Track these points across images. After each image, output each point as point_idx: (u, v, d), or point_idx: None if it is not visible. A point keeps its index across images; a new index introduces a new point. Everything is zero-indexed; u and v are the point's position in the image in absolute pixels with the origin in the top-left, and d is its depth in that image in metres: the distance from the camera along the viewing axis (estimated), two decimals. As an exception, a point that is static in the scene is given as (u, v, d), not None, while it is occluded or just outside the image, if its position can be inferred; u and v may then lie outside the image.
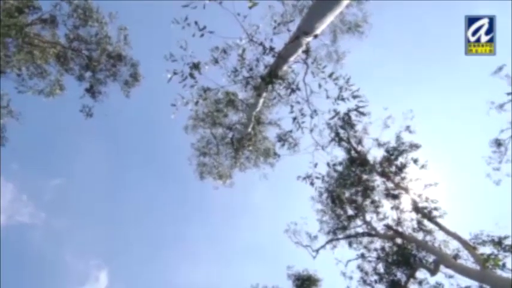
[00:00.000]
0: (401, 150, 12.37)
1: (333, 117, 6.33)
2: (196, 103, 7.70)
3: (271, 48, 6.40)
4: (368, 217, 13.04)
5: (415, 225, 12.11)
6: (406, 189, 12.23)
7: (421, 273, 11.48)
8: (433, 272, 10.58)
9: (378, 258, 12.58)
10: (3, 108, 11.75)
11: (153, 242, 27.28)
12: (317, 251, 13.85)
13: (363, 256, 13.00)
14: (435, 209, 11.59)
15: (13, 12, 9.72)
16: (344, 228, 13.54)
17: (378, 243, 12.92)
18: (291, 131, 7.00)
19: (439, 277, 10.80)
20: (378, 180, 12.94)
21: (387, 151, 12.66)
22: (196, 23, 6.07)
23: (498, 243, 9.41)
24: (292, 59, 6.45)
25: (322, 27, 5.90)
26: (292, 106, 6.63)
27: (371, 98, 6.91)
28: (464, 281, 9.88)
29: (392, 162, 12.59)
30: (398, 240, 12.01)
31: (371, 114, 12.40)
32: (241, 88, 9.02)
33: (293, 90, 6.50)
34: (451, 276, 10.91)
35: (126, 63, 12.43)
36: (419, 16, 18.32)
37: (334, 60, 12.46)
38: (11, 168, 21.15)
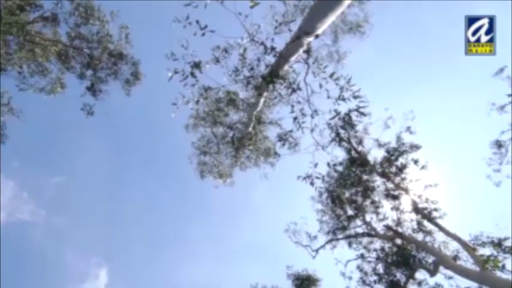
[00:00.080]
0: (401, 151, 12.37)
1: (333, 118, 6.33)
2: (197, 102, 7.69)
3: (273, 48, 6.41)
4: (368, 217, 13.05)
5: (415, 226, 12.12)
6: (406, 190, 12.23)
7: (420, 274, 11.49)
8: (433, 272, 10.59)
9: (378, 258, 12.59)
10: (4, 105, 11.76)
11: (154, 241, 27.34)
12: (317, 251, 13.86)
13: (362, 256, 13.01)
14: (435, 209, 11.60)
15: (15, 10, 9.72)
16: (344, 228, 13.54)
17: (377, 244, 12.94)
18: (291, 131, 7.00)
19: (439, 278, 10.83)
20: (378, 181, 12.95)
21: (387, 151, 12.66)
22: (197, 22, 6.06)
23: (498, 244, 9.40)
24: (293, 58, 6.45)
25: (323, 27, 5.89)
26: (292, 106, 6.63)
27: (372, 98, 6.92)
28: (464, 282, 9.87)
29: (393, 162, 12.58)
30: (398, 241, 12.01)
31: (372, 115, 12.42)
32: (242, 87, 9.01)
33: (294, 90, 6.50)
34: (450, 277, 10.92)
35: (127, 61, 12.44)
36: (420, 16, 18.33)
37: (335, 60, 12.46)
38: (12, 166, 21.20)
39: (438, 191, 11.98)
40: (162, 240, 27.57)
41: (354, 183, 13.03)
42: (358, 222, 13.30)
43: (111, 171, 25.70)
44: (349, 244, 13.50)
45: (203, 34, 6.14)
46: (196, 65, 6.37)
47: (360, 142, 13.13)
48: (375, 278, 12.35)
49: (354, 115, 6.23)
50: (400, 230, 12.06)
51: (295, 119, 6.66)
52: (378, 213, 12.91)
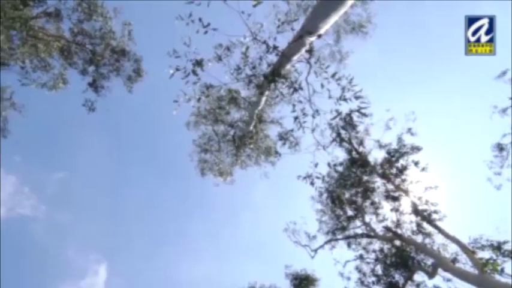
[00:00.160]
0: (402, 152, 12.35)
1: (334, 118, 6.32)
2: (199, 100, 7.70)
3: (275, 47, 6.41)
4: (367, 218, 13.04)
5: (415, 228, 12.12)
6: (406, 192, 12.22)
7: (419, 276, 11.49)
8: (431, 275, 10.59)
9: (376, 259, 12.59)
10: (7, 100, 11.80)
11: (153, 238, 27.37)
12: (315, 250, 13.85)
13: (361, 257, 13.01)
14: (435, 212, 11.61)
15: (18, 5, 9.73)
16: (343, 228, 13.54)
17: (376, 245, 12.93)
18: (292, 130, 6.99)
19: (437, 280, 10.83)
20: (378, 182, 12.93)
21: (388, 153, 12.65)
22: (200, 19, 6.07)
23: (497, 248, 9.39)
24: (295, 58, 6.45)
25: (326, 27, 5.89)
26: (294, 105, 6.62)
27: (373, 98, 6.92)
28: (462, 285, 9.81)
29: (393, 164, 12.57)
30: (397, 242, 12.01)
31: (373, 116, 12.39)
32: (244, 86, 9.03)
33: (295, 90, 6.50)
34: (449, 280, 10.91)
35: (130, 58, 12.45)
36: (423, 16, 18.27)
37: (337, 60, 12.43)
38: (14, 161, 21.25)
39: (438, 193, 11.99)
40: (162, 237, 27.62)
41: (354, 184, 13.02)
42: (358, 223, 13.31)
43: (112, 167, 25.77)
44: (348, 245, 13.50)
45: (206, 32, 6.14)
46: (198, 63, 6.37)
47: (361, 143, 13.12)
48: (374, 279, 12.36)
49: (355, 116, 6.23)
50: (399, 231, 12.05)
51: (296, 118, 6.65)
52: (377, 214, 12.90)
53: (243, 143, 11.93)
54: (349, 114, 6.20)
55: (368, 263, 12.84)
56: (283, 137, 9.67)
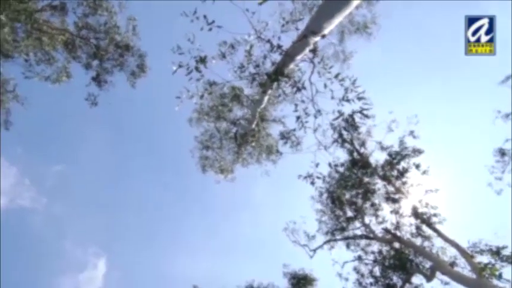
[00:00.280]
0: (404, 155, 12.34)
1: (337, 118, 6.31)
2: (202, 97, 7.71)
3: (279, 46, 6.40)
4: (367, 220, 13.04)
5: (414, 231, 12.11)
6: (406, 194, 12.22)
7: (417, 279, 11.48)
8: (429, 278, 10.58)
9: (375, 261, 12.60)
10: (10, 92, 11.83)
11: (152, 233, 27.44)
12: (314, 250, 13.86)
13: (359, 258, 13.02)
14: (435, 215, 11.61)
15: (24, -2, 9.74)
16: (342, 229, 13.54)
17: (375, 246, 12.94)
18: (294, 130, 6.99)
19: (435, 283, 10.81)
20: (378, 184, 12.92)
21: (390, 155, 12.64)
22: (205, 17, 6.08)
23: (496, 252, 9.37)
24: (299, 57, 6.44)
25: (330, 27, 5.88)
26: (296, 105, 6.61)
27: (376, 99, 6.91)
28: (460, 288, 9.87)
29: (394, 166, 12.56)
30: (396, 245, 12.01)
31: (375, 117, 12.35)
32: (247, 84, 9.04)
33: (298, 89, 6.49)
34: (447, 283, 10.93)
35: (134, 53, 12.44)
36: (423, 17, 18.17)
37: (340, 60, 12.42)
38: (15, 152, 21.33)
39: (438, 196, 11.98)
40: (161, 232, 27.69)
41: (355, 185, 13.02)
42: (357, 224, 13.31)
43: (113, 161, 25.81)
44: (347, 245, 13.51)
45: (210, 29, 6.16)
46: (202, 60, 6.37)
47: (363, 144, 13.11)
48: (371, 280, 12.37)
49: (357, 117, 6.22)
50: (398, 233, 12.06)
51: (298, 118, 6.65)
52: (377, 216, 12.90)
53: (244, 140, 11.94)
54: (351, 115, 6.19)
55: (366, 264, 12.86)
56: (284, 136, 9.70)
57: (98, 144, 24.34)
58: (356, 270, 12.97)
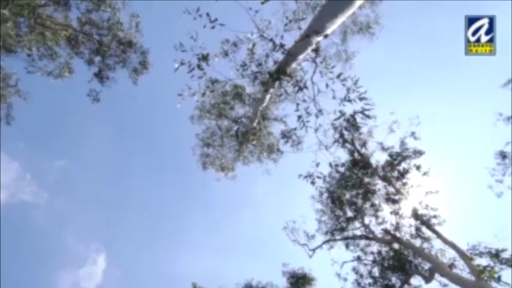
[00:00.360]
0: (404, 156, 12.34)
1: (338, 118, 6.32)
2: (203, 94, 7.71)
3: (281, 45, 6.40)
4: (367, 220, 13.05)
5: (413, 232, 12.12)
6: (406, 195, 12.22)
7: (415, 280, 11.49)
8: (428, 279, 10.59)
9: (374, 261, 12.60)
10: (12, 87, 11.83)
11: (153, 230, 27.51)
12: (314, 250, 13.87)
13: (359, 259, 13.03)
14: (434, 216, 11.62)
15: (27, -8, 9.74)
16: (342, 229, 13.55)
17: (374, 247, 12.95)
18: (295, 129, 6.99)
19: (434, 285, 10.83)
20: (379, 184, 12.92)
21: (390, 156, 12.63)
22: (207, 14, 6.08)
23: (495, 255, 9.38)
24: (301, 57, 6.44)
25: (333, 27, 5.88)
26: (298, 104, 6.62)
27: (378, 100, 6.90)
28: (459, 291, 9.87)
29: (395, 167, 12.56)
30: (395, 246, 12.02)
31: (377, 118, 12.32)
32: (249, 82, 9.01)
33: (300, 88, 6.49)
34: (445, 285, 10.96)
35: (136, 50, 12.42)
36: (425, 17, 18.13)
37: (343, 60, 12.40)
38: (17, 147, 21.38)
39: (439, 197, 11.97)
40: (162, 229, 27.76)
41: (355, 185, 13.02)
42: (357, 224, 13.32)
43: (114, 158, 25.87)
44: (347, 246, 13.52)
45: (213, 27, 6.15)
46: (204, 58, 6.37)
47: (364, 144, 13.10)
48: (370, 280, 12.38)
49: (359, 117, 6.22)
50: (398, 234, 12.06)
51: (299, 117, 6.65)
52: (377, 217, 12.91)
53: (246, 139, 11.94)
54: (352, 116, 6.20)
55: (365, 264, 12.87)
56: (286, 135, 9.66)
57: (100, 140, 24.41)
58: (355, 270, 12.99)
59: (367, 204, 13.03)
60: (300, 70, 6.83)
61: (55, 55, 11.76)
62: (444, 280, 10.49)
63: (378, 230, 12.67)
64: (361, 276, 12.74)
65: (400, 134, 12.57)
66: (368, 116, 6.19)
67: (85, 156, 25.11)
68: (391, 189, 12.49)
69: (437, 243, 11.60)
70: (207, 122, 13.14)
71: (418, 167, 12.22)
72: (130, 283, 27.21)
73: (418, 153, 12.28)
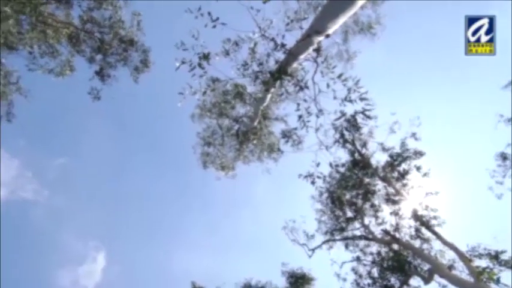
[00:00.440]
0: (405, 157, 12.33)
1: (339, 118, 6.32)
2: (204, 93, 7.71)
3: (283, 45, 6.40)
4: (366, 220, 13.04)
5: (413, 233, 12.11)
6: (406, 196, 12.22)
7: (414, 281, 11.47)
8: (427, 280, 10.59)
9: (373, 262, 12.59)
10: (13, 84, 11.84)
11: (153, 228, 27.52)
12: (313, 250, 13.85)
13: (358, 259, 13.02)
14: (434, 217, 11.62)
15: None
16: (342, 229, 13.54)
17: (374, 248, 12.94)
18: (296, 129, 7.00)
19: (433, 286, 10.82)
20: (379, 185, 12.91)
21: (391, 156, 12.62)
22: (209, 13, 6.08)
23: (495, 257, 9.38)
24: (302, 56, 6.44)
25: (334, 27, 5.88)
26: (299, 104, 6.62)
27: (379, 100, 6.90)
28: (458, 292, 9.86)
29: (395, 167, 12.55)
30: (395, 246, 12.01)
31: (378, 118, 12.32)
32: (250, 82, 9.00)
33: (301, 88, 6.50)
34: (444, 286, 10.96)
35: (138, 49, 12.43)
36: (425, 17, 18.08)
37: (344, 60, 12.38)
38: (18, 145, 21.39)
39: (439, 199, 11.96)
40: (161, 227, 27.77)
41: (355, 186, 13.01)
42: (357, 224, 13.31)
43: (114, 156, 25.85)
44: (346, 246, 13.51)
45: (214, 26, 6.16)
46: (205, 57, 6.38)
47: (364, 145, 13.08)
48: (369, 281, 12.37)
49: (359, 117, 6.23)
50: (397, 235, 12.05)
51: (300, 117, 6.65)
52: (376, 217, 12.90)
53: (246, 138, 11.95)
54: (353, 116, 6.20)
55: (365, 265, 12.86)
56: (286, 135, 9.69)
57: (100, 138, 24.40)
58: (354, 270, 12.97)
59: (367, 205, 13.03)
60: (301, 70, 6.83)
61: (56, 53, 11.78)
62: (443, 281, 10.50)
63: (377, 231, 12.68)
64: (361, 276, 12.73)
65: (401, 134, 12.56)
66: (369, 117, 6.19)
67: (85, 154, 25.11)
68: (391, 190, 12.49)
69: (436, 245, 11.61)
70: (208, 121, 13.16)
71: (418, 168, 12.21)
72: (129, 281, 27.22)
73: (419, 154, 12.27)
